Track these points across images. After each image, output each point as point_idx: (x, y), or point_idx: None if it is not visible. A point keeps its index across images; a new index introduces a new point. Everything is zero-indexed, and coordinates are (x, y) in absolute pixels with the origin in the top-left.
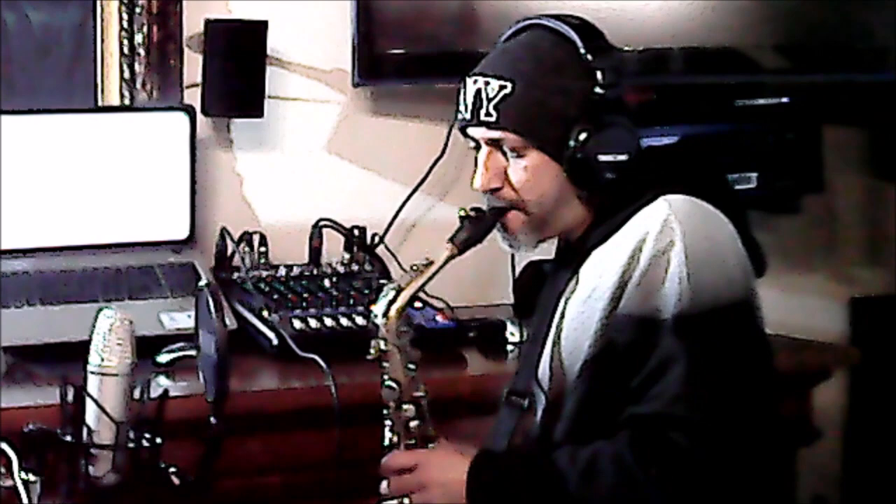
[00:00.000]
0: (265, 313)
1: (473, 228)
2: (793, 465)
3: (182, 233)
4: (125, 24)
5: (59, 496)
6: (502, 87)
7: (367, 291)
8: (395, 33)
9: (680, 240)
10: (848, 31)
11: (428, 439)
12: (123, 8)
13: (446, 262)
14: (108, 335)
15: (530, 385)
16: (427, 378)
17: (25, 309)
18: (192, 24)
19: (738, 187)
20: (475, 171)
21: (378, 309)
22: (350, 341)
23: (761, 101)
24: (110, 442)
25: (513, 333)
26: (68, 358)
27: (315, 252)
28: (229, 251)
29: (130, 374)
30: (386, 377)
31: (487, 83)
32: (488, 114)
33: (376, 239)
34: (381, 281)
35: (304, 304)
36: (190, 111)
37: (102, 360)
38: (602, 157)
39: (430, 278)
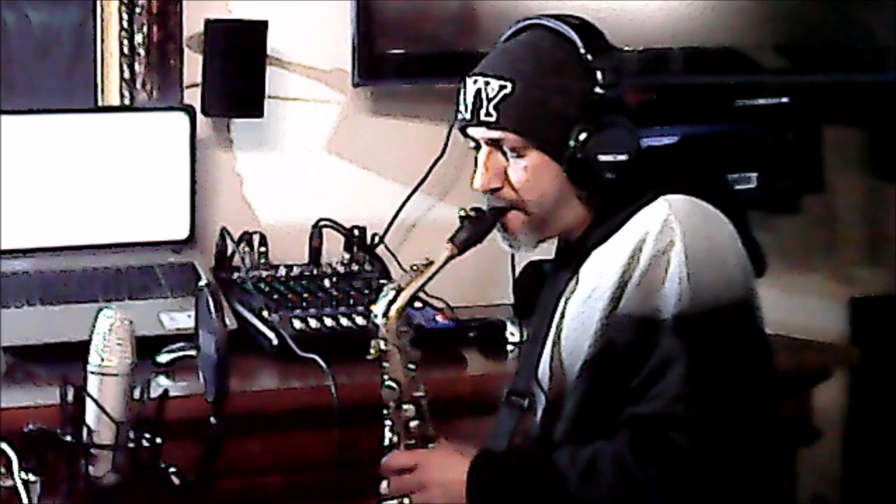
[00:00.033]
0: (265, 313)
1: (473, 228)
2: (793, 465)
3: (182, 233)
4: (125, 24)
5: (59, 496)
6: (502, 87)
7: (367, 291)
8: (395, 33)
9: (680, 240)
10: (848, 31)
11: (428, 439)
12: (123, 8)
13: (446, 262)
14: (108, 335)
15: (530, 385)
16: (427, 378)
17: (25, 309)
18: (192, 24)
19: (738, 187)
20: (475, 171)
21: (378, 309)
22: (350, 341)
23: (761, 101)
24: (110, 442)
25: (513, 333)
26: (68, 358)
27: (315, 252)
28: (229, 251)
29: (130, 374)
30: (386, 377)
31: (487, 83)
32: (488, 114)
33: (376, 239)
34: (381, 281)
35: (304, 304)
36: (190, 111)
37: (102, 360)
38: (602, 157)
39: (430, 278)
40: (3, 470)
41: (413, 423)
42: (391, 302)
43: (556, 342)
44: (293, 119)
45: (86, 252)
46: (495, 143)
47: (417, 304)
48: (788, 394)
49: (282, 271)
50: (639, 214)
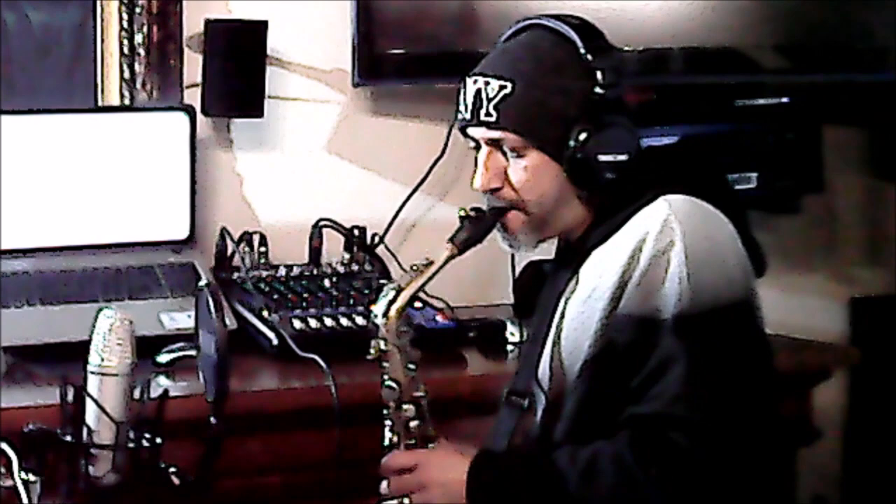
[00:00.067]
0: (265, 313)
1: (473, 228)
2: (793, 465)
3: (182, 233)
4: (125, 24)
5: (59, 496)
6: (502, 87)
7: (367, 291)
8: (395, 33)
9: (680, 240)
10: (848, 31)
11: (428, 439)
12: (123, 8)
13: (446, 262)
14: (108, 335)
15: (530, 385)
16: (427, 378)
17: (25, 309)
18: (192, 24)
19: (738, 187)
20: (475, 171)
21: (378, 309)
22: (350, 341)
23: (761, 101)
24: (110, 442)
25: (513, 333)
26: (68, 358)
27: (315, 252)
28: (229, 251)
29: (130, 374)
30: (386, 377)
31: (487, 83)
32: (488, 114)
33: (376, 239)
34: (381, 281)
35: (304, 304)
36: (190, 111)
37: (102, 360)
38: (602, 157)
39: (431, 278)
40: (3, 470)
41: (413, 423)
42: (391, 302)
43: (556, 342)
44: (293, 119)
45: (86, 252)
46: (495, 143)
47: (417, 304)
48: (788, 394)
49: (282, 271)
50: (639, 214)
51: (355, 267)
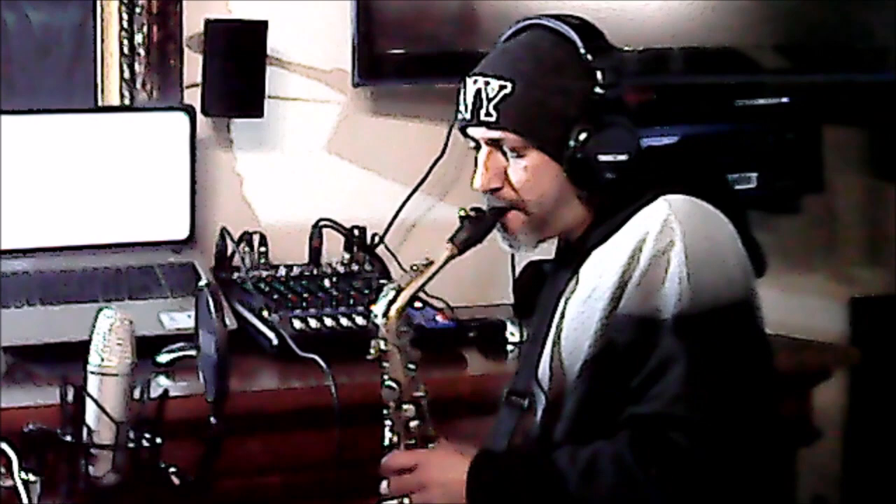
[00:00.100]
0: (265, 313)
1: (473, 228)
2: (793, 465)
3: (182, 233)
4: (125, 24)
5: (59, 496)
6: (502, 87)
7: (367, 291)
8: (395, 33)
9: (680, 240)
10: (848, 31)
11: (428, 439)
12: (123, 8)
13: (446, 262)
14: (108, 335)
15: (530, 385)
16: (427, 378)
17: (25, 309)
18: (192, 24)
19: (738, 187)
20: (475, 172)
21: (378, 309)
22: (350, 341)
23: (761, 101)
24: (110, 442)
25: (513, 333)
26: (68, 358)
27: (315, 252)
28: (229, 251)
29: (130, 374)
30: (386, 377)
31: (487, 83)
32: (488, 114)
33: (376, 239)
34: (381, 281)
35: (304, 304)
36: (190, 111)
37: (102, 360)
38: (602, 157)
39: (430, 278)
40: (3, 470)
41: (413, 423)
42: (391, 302)
43: (556, 342)
44: (293, 119)
45: (86, 252)
46: (495, 143)
47: (417, 304)
48: (788, 394)
49: (282, 271)
50: (639, 214)
51: (355, 267)
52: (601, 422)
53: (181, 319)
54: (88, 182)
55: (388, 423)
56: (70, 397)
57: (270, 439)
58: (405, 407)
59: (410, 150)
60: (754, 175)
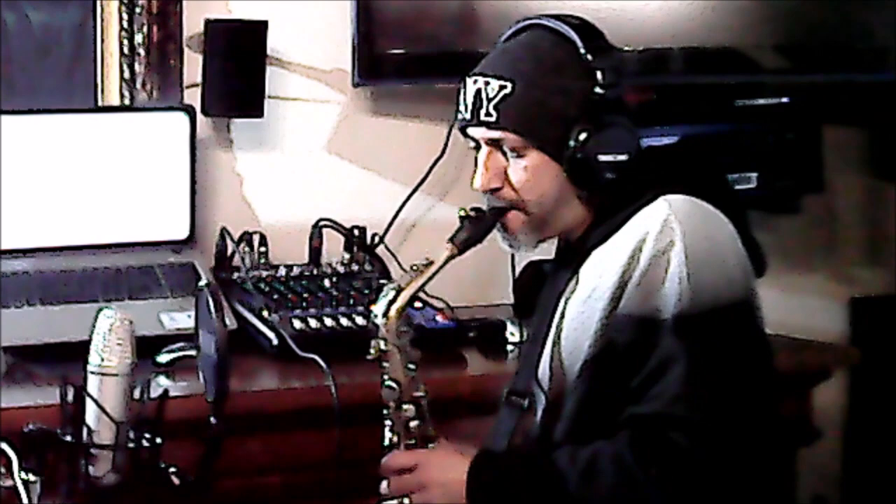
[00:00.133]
0: (265, 313)
1: (473, 228)
2: (793, 465)
3: (182, 233)
4: (125, 24)
5: (59, 496)
6: (502, 87)
7: (367, 291)
8: (395, 33)
9: (680, 240)
10: (848, 31)
11: (428, 439)
12: (123, 8)
13: (446, 262)
14: (108, 335)
15: (530, 385)
16: (427, 378)
17: (25, 309)
18: (192, 24)
19: (738, 187)
20: (475, 172)
21: (378, 309)
22: (350, 341)
23: (761, 101)
24: (110, 442)
25: (513, 333)
26: (68, 358)
27: (315, 252)
28: (229, 251)
29: (130, 374)
30: (386, 377)
31: (487, 83)
32: (488, 114)
33: (376, 239)
34: (381, 281)
35: (304, 304)
36: (190, 111)
37: (102, 360)
38: (602, 157)
39: (430, 278)
40: (3, 470)
41: (413, 423)
42: (391, 302)
43: (556, 342)
44: (293, 119)
45: (86, 252)
46: (495, 143)
47: (417, 304)
48: (788, 394)
49: (282, 271)
50: (639, 214)
51: (355, 267)
52: (601, 422)
53: (181, 319)
54: (88, 182)
55: (387, 423)
56: (70, 397)
57: (270, 439)
58: (405, 407)
59: (410, 150)
60: (754, 175)
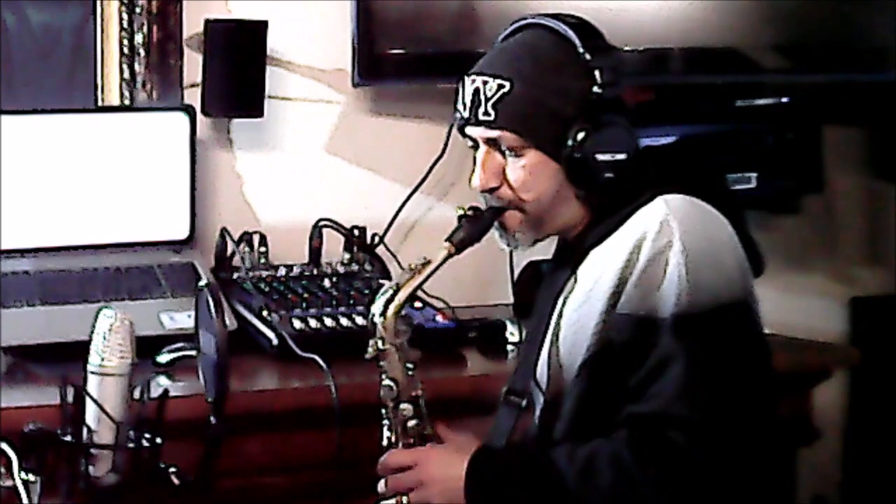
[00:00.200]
0: (265, 313)
1: (471, 228)
2: (793, 465)
3: (182, 233)
4: (125, 24)
5: (59, 496)
6: (501, 87)
7: (367, 291)
8: (395, 33)
9: (678, 239)
10: (848, 31)
11: (426, 438)
12: (123, 8)
13: (444, 261)
14: (108, 335)
15: (528, 385)
16: (427, 378)
17: (25, 309)
18: (192, 24)
19: (737, 187)
20: (473, 171)
21: (376, 308)
22: (350, 341)
23: (761, 101)
24: (110, 442)
25: (513, 333)
26: (68, 358)
27: (315, 252)
28: (229, 251)
29: (130, 374)
30: (384, 376)
31: (486, 82)
32: (486, 113)
33: (376, 239)
34: (381, 281)
35: (304, 304)
36: (190, 111)
37: (102, 360)
38: (600, 157)
39: (428, 277)
40: (3, 470)
41: (411, 423)
42: (389, 301)
43: (555, 342)
44: (293, 119)
45: (86, 252)
46: (493, 143)
47: (417, 304)
48: (788, 394)
49: (282, 271)
50: (637, 214)
51: (355, 267)
52: (600, 421)
53: (181, 319)
54: (88, 182)
55: (385, 422)
56: (70, 397)
57: (270, 439)
58: (403, 406)
59: (410, 150)
60: (754, 175)
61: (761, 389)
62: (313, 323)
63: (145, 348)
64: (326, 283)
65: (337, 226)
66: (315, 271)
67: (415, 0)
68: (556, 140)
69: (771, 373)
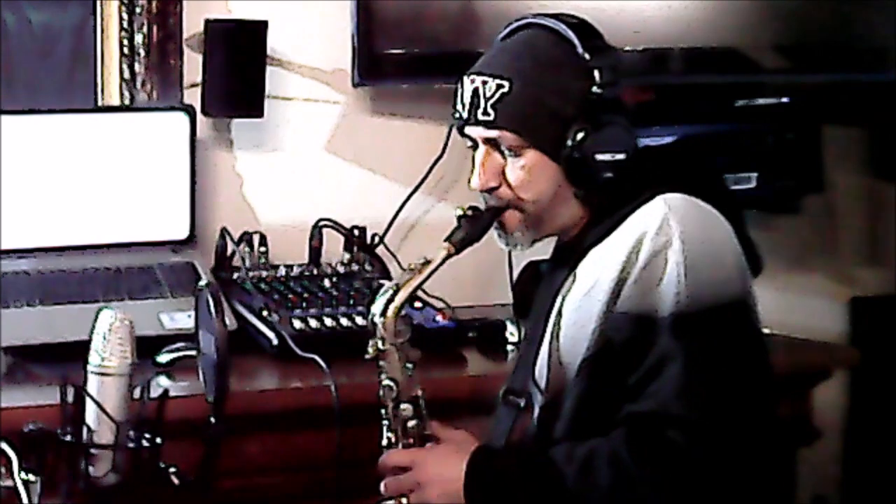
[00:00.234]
0: (265, 313)
1: (470, 227)
2: (793, 465)
3: (182, 233)
4: (125, 24)
5: (59, 496)
6: (500, 86)
7: (367, 291)
8: (395, 33)
9: (677, 239)
10: (848, 31)
11: (426, 438)
12: (123, 8)
13: (443, 261)
14: (108, 335)
15: (527, 384)
16: (427, 378)
17: (25, 309)
18: (192, 24)
19: (737, 187)
20: (472, 171)
21: (376, 308)
22: (350, 341)
23: (761, 101)
24: (110, 442)
25: (512, 333)
26: (68, 358)
27: (315, 252)
28: (229, 251)
29: (130, 374)
30: (384, 376)
31: (485, 82)
32: (486, 113)
33: (376, 239)
34: (381, 281)
35: (304, 304)
36: (190, 111)
37: (102, 360)
38: (599, 157)
39: (428, 277)
40: (3, 470)
41: (411, 423)
42: (389, 301)
43: (554, 341)
44: (293, 119)
45: (86, 252)
46: (493, 142)
47: (417, 304)
48: (788, 394)
49: (282, 271)
50: (636, 213)
51: (355, 267)
52: (599, 420)
53: (181, 319)
54: (88, 182)
55: (385, 422)
56: (70, 397)
57: (270, 439)
58: (403, 406)
59: (410, 150)
60: (754, 175)
61: (760, 389)
62: (313, 323)
63: (145, 348)
64: (326, 283)
65: (337, 226)
66: (315, 271)
67: (415, 0)
68: (556, 140)
69: (770, 372)
